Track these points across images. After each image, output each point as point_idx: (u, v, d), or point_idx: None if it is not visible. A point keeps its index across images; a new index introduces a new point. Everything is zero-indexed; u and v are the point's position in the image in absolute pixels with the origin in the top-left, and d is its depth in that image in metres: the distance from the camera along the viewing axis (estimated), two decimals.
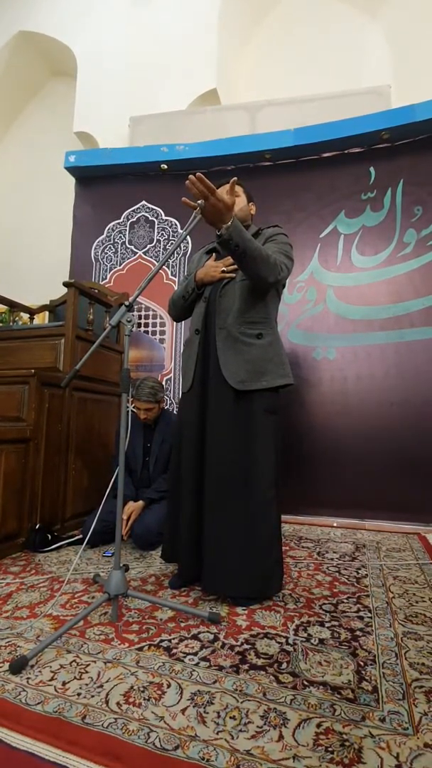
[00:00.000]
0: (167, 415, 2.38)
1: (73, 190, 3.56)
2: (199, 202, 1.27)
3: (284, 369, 1.54)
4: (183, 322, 3.09)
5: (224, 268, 1.56)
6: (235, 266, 1.53)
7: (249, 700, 0.94)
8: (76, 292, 2.49)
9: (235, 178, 1.41)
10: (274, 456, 1.49)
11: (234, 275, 1.56)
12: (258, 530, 1.43)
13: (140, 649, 1.15)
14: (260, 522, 1.43)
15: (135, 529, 2.03)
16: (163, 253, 3.28)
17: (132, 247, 3.36)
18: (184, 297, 1.65)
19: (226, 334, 1.50)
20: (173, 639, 1.20)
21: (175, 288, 1.79)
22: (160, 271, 3.02)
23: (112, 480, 1.44)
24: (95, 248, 3.43)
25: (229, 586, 1.42)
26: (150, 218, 3.36)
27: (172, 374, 3.15)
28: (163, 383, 3.03)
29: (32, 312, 3.05)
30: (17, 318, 3.18)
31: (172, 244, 3.26)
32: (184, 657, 1.11)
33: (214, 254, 1.68)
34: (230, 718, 0.88)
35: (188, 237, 3.13)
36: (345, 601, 1.46)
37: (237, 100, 4.24)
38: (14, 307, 2.90)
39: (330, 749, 0.79)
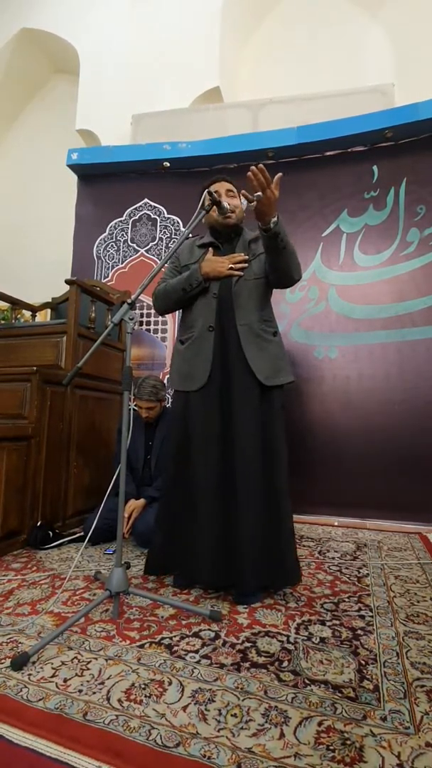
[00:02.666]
0: (169, 413, 2.37)
1: (75, 188, 3.56)
2: (257, 194, 1.29)
3: (290, 366, 1.62)
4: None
5: (232, 265, 1.55)
6: (244, 265, 1.55)
7: (250, 698, 0.94)
8: (78, 289, 2.49)
9: (281, 173, 1.35)
10: (287, 450, 1.56)
11: (242, 273, 1.56)
12: (284, 522, 1.50)
13: (141, 646, 1.15)
14: (285, 514, 1.51)
15: (136, 527, 2.03)
16: (165, 251, 3.27)
17: (134, 245, 3.36)
18: (185, 290, 1.58)
19: (248, 330, 1.52)
20: (174, 637, 1.21)
21: (163, 279, 1.71)
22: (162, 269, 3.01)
23: (114, 478, 1.44)
24: (97, 246, 3.43)
25: (266, 578, 1.45)
26: (152, 216, 3.36)
27: None
28: (165, 382, 3.03)
29: (34, 309, 3.05)
30: (19, 315, 3.19)
31: (174, 242, 3.26)
32: (186, 655, 1.11)
33: (211, 249, 1.63)
34: (231, 715, 0.88)
35: (190, 235, 3.11)
36: (346, 600, 1.46)
37: (240, 98, 4.23)
38: (16, 304, 2.91)
39: (331, 748, 0.79)
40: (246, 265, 1.56)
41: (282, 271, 1.51)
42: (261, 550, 1.42)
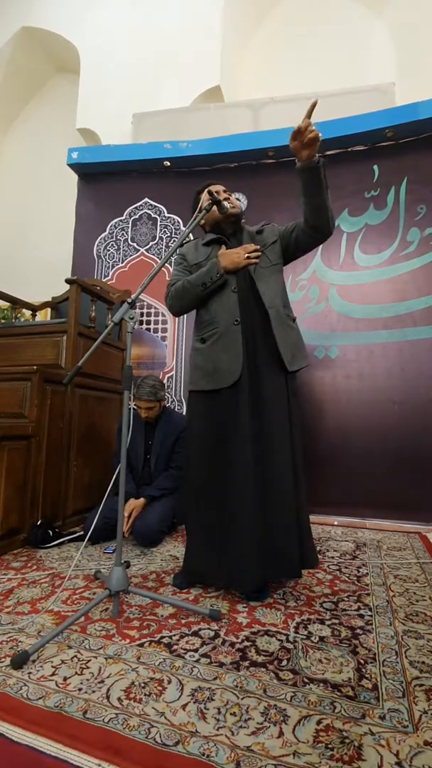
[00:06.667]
0: (169, 413, 2.38)
1: (75, 187, 3.56)
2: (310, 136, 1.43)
3: (305, 351, 1.63)
4: (184, 318, 3.09)
5: (248, 255, 1.55)
6: (258, 253, 1.56)
7: (249, 697, 0.94)
8: (79, 289, 2.49)
9: (316, 99, 1.41)
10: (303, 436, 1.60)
11: (258, 261, 1.56)
12: (303, 509, 1.52)
13: (141, 645, 1.15)
14: (304, 501, 1.53)
15: (136, 526, 2.03)
16: (165, 250, 3.27)
17: (134, 244, 3.36)
18: (205, 284, 1.53)
19: (275, 314, 1.51)
20: (174, 635, 1.21)
21: (173, 280, 1.64)
22: (162, 268, 3.01)
23: (114, 477, 1.44)
24: (98, 245, 3.43)
25: (299, 564, 1.47)
26: (153, 215, 3.36)
27: (174, 372, 3.15)
28: (165, 381, 3.03)
29: (34, 309, 3.05)
30: (19, 314, 3.19)
31: (174, 241, 3.26)
32: (185, 653, 1.11)
33: (223, 245, 1.64)
34: (230, 714, 0.88)
35: (191, 234, 3.12)
36: (345, 599, 1.46)
37: (240, 97, 4.23)
38: (16, 303, 2.91)
39: (330, 746, 0.80)
40: (260, 253, 1.57)
41: (321, 211, 1.52)
42: (292, 540, 1.43)
